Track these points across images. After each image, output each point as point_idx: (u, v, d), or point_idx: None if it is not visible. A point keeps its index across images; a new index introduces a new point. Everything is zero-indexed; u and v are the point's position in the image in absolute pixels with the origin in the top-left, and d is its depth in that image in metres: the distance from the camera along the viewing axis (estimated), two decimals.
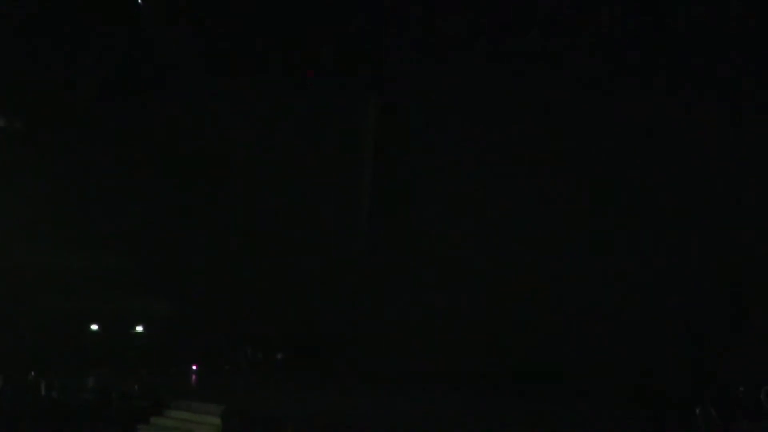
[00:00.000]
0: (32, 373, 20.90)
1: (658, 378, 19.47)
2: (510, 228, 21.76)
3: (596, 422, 18.41)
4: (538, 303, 21.13)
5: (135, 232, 24.17)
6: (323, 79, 23.06)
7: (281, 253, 23.80)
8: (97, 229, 24.01)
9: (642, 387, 19.35)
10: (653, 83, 20.34)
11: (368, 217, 23.64)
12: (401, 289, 22.91)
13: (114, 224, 24.09)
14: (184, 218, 24.22)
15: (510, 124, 21.66)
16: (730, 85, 19.92)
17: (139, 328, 23.84)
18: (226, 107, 23.62)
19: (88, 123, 24.05)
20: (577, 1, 20.94)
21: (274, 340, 23.56)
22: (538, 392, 20.17)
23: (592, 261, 20.94)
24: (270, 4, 22.77)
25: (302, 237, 23.66)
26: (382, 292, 23.17)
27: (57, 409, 19.91)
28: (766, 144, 19.68)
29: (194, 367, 23.16)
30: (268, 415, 18.72)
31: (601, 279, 20.69)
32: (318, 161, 23.37)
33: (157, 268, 24.33)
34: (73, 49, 23.49)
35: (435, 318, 22.27)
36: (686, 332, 19.63)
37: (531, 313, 21.12)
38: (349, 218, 23.69)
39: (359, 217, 23.58)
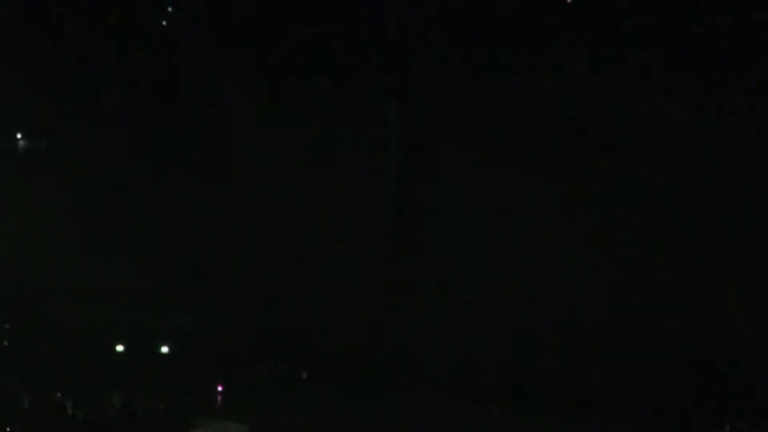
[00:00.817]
0: (58, 392, 20.88)
1: (681, 391, 19.35)
2: (540, 238, 21.64)
3: None
4: (561, 316, 21.05)
5: (160, 248, 24.16)
6: (345, 86, 23.03)
7: (306, 269, 23.73)
8: (121, 246, 24.03)
9: (666, 401, 19.24)
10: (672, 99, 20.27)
11: (394, 231, 23.53)
12: (428, 304, 22.83)
13: (139, 240, 24.10)
14: (209, 234, 24.19)
15: (537, 133, 21.60)
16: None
17: (164, 347, 23.75)
18: (252, 120, 23.64)
19: (114, 137, 24.12)
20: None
21: (300, 357, 23.41)
22: (562, 409, 20.08)
23: (610, 270, 20.84)
24: (291, 9, 22.78)
25: (327, 252, 23.58)
26: (408, 307, 23.09)
27: (83, 429, 19.92)
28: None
29: (219, 387, 23.04)
30: None
31: (620, 289, 20.60)
32: (343, 174, 23.33)
33: (182, 285, 24.29)
34: (92, 63, 23.56)
35: (463, 334, 22.19)
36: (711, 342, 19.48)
37: (555, 326, 21.04)
38: (375, 232, 23.60)
39: (385, 231, 23.48)
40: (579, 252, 21.09)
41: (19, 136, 24.81)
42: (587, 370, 20.46)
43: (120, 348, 23.53)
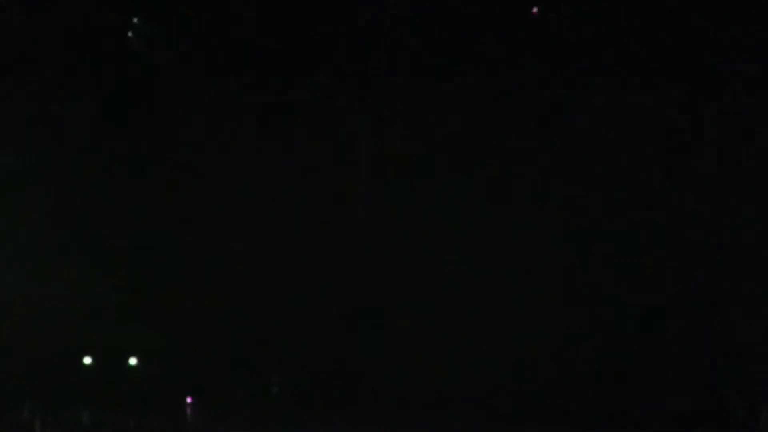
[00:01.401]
0: (26, 410, 20.59)
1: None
2: (529, 246, 21.56)
3: None
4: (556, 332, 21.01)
5: (128, 263, 23.89)
6: (321, 92, 22.91)
7: (280, 282, 23.56)
8: (89, 261, 23.73)
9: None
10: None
11: (376, 241, 23.40)
12: (409, 318, 22.71)
13: (107, 255, 23.81)
14: (179, 248, 23.95)
15: (516, 136, 21.55)
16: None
17: (133, 361, 23.49)
18: (228, 132, 23.45)
19: (76, 156, 23.81)
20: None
21: (273, 371, 23.24)
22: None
23: (607, 279, 20.80)
24: (268, 18, 22.61)
25: (303, 266, 23.42)
26: (388, 321, 22.96)
27: None
28: None
29: (189, 401, 22.85)
30: None
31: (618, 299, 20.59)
32: (321, 186, 23.18)
33: (150, 300, 24.04)
34: (65, 78, 23.24)
35: (448, 348, 22.10)
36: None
37: (550, 342, 21.00)
38: (352, 244, 23.46)
39: (362, 243, 23.35)
40: (571, 262, 21.05)
41: None
42: (585, 388, 20.41)
43: (88, 362, 23.28)
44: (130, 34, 23.40)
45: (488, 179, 21.92)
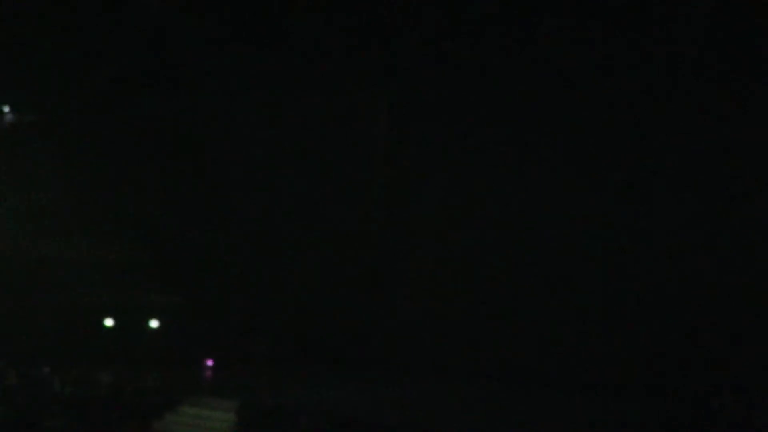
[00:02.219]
0: (46, 368, 20.80)
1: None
2: (518, 226, 21.60)
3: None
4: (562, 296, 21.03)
5: (148, 225, 24.05)
6: (334, 80, 22.92)
7: (294, 246, 23.68)
8: (110, 223, 23.94)
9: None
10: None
11: (379, 212, 23.47)
12: (412, 282, 22.79)
13: (127, 218, 24.00)
14: (197, 212, 24.10)
15: (522, 125, 21.54)
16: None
17: (153, 323, 23.68)
18: (240, 102, 23.51)
19: (101, 116, 23.94)
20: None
21: (288, 334, 23.37)
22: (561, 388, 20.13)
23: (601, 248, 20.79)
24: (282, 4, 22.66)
25: (314, 230, 23.52)
26: (393, 284, 23.06)
27: (71, 405, 19.85)
28: None
29: (208, 362, 23.00)
30: (282, 409, 18.64)
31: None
32: (328, 155, 23.24)
33: (170, 262, 24.22)
34: (86, 40, 23.34)
35: (447, 311, 22.19)
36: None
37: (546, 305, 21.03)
38: (360, 213, 23.53)
39: (370, 212, 23.41)
40: (569, 239, 21.07)
41: (6, 109, 24.62)
42: (582, 350, 20.45)
43: (109, 324, 23.49)
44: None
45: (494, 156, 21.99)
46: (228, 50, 23.35)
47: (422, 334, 22.29)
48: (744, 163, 19.63)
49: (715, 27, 19.45)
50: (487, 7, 21.30)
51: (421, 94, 22.71)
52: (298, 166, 23.48)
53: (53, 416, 19.52)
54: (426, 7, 21.95)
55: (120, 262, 23.96)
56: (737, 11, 19.26)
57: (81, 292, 23.49)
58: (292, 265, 23.62)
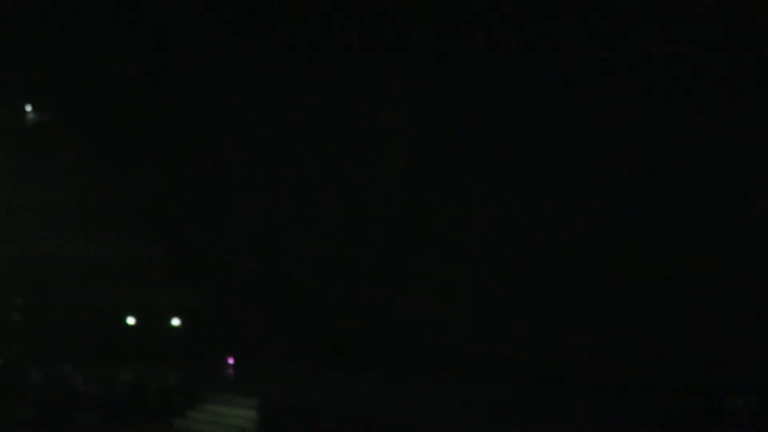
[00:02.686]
0: (69, 366, 20.99)
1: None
2: (522, 226, 21.59)
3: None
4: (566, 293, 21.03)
5: (171, 224, 24.22)
6: (346, 78, 23.03)
7: (314, 247, 23.78)
8: (132, 222, 24.09)
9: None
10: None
11: (390, 213, 23.57)
12: (431, 281, 22.83)
13: (150, 217, 24.15)
14: (218, 212, 24.24)
15: (530, 126, 21.54)
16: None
17: (175, 321, 23.86)
18: (253, 99, 23.64)
19: (123, 115, 24.11)
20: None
21: (308, 332, 23.50)
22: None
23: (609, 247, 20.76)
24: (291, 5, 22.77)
25: (332, 231, 23.63)
26: (412, 284, 23.11)
27: (94, 403, 20.02)
28: None
29: (230, 360, 23.14)
30: (301, 407, 18.72)
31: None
32: (343, 154, 23.35)
33: (191, 262, 24.37)
34: (102, 41, 23.50)
35: (465, 310, 22.22)
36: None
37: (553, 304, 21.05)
38: (374, 213, 23.63)
39: (384, 212, 23.52)
40: (574, 238, 21.05)
41: (29, 109, 24.81)
42: (589, 349, 20.43)
43: (131, 323, 23.67)
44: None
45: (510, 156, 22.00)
46: (237, 51, 23.47)
47: (441, 333, 22.31)
48: (744, 165, 19.53)
49: (716, 27, 19.39)
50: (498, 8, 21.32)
51: (431, 95, 22.74)
52: (314, 169, 23.59)
53: (77, 414, 19.71)
54: (435, 8, 21.98)
55: (142, 261, 24.13)
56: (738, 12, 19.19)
57: (103, 292, 23.70)
58: (311, 265, 23.72)
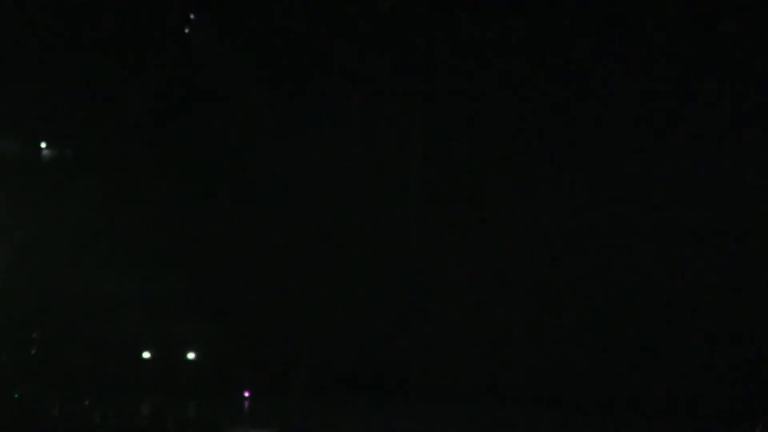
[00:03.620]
0: (86, 400, 20.92)
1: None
2: (553, 244, 21.60)
3: None
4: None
5: (187, 257, 24.20)
6: (371, 91, 23.07)
7: (331, 277, 23.75)
8: (149, 255, 24.09)
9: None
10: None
11: (418, 240, 23.55)
12: (451, 310, 22.80)
13: (167, 250, 24.14)
14: (235, 243, 24.22)
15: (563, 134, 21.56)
16: None
17: (192, 354, 23.81)
18: (273, 130, 23.71)
19: (137, 147, 24.15)
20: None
21: (325, 364, 23.44)
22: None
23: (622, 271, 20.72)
24: (316, 18, 22.76)
25: (351, 260, 23.61)
26: (432, 312, 23.08)
27: None
28: None
29: (246, 393, 23.08)
30: None
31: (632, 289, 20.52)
32: (367, 185, 23.37)
33: (206, 294, 24.34)
34: (119, 69, 23.54)
35: (485, 338, 22.20)
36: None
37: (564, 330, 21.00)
38: (399, 241, 23.61)
39: (409, 240, 23.50)
40: (590, 259, 21.05)
41: (43, 145, 24.85)
42: (597, 372, 20.37)
43: (148, 356, 23.62)
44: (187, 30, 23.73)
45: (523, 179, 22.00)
46: (259, 81, 23.55)
47: (457, 363, 22.28)
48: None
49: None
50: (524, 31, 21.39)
51: (457, 122, 22.81)
52: (336, 200, 23.60)
53: None
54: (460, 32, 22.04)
55: (159, 295, 24.09)
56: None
57: (121, 325, 23.68)
58: (328, 296, 23.68)
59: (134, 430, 20.18)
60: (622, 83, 20.97)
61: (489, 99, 22.35)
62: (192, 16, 23.76)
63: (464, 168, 23.01)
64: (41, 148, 24.82)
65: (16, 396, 21.23)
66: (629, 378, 20.46)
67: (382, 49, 22.71)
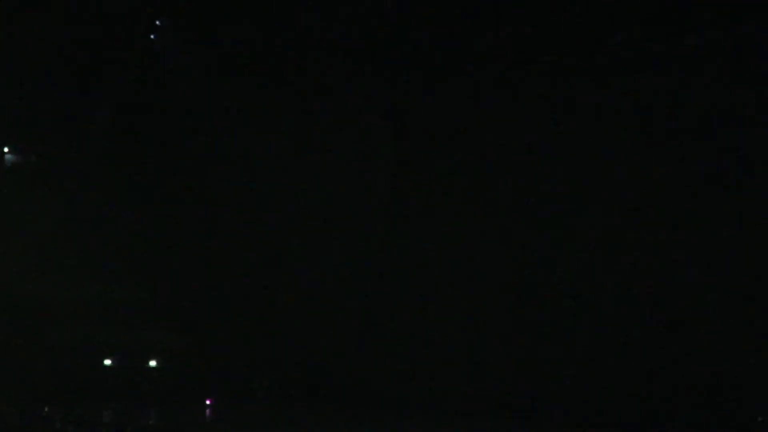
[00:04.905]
0: (47, 408, 20.79)
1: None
2: (529, 249, 21.58)
3: None
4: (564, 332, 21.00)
5: (149, 263, 24.10)
6: (337, 100, 23.11)
7: (295, 285, 23.73)
8: (111, 261, 23.97)
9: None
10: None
11: (382, 248, 23.57)
12: (415, 318, 22.80)
13: (128, 256, 24.04)
14: (197, 250, 24.16)
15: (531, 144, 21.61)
16: None
17: (154, 362, 23.71)
18: (242, 136, 23.67)
19: (99, 154, 24.03)
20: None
21: (289, 372, 23.42)
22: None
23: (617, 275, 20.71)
24: (283, 28, 22.74)
25: (316, 271, 23.60)
26: (395, 320, 23.09)
27: None
28: None
29: (208, 401, 23.02)
30: None
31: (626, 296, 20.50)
32: (335, 193, 23.38)
33: (169, 301, 24.25)
34: (84, 78, 23.43)
35: (447, 346, 22.20)
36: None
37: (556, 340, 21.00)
38: (362, 250, 23.63)
39: (376, 248, 23.52)
40: (577, 263, 21.01)
41: (6, 150, 24.70)
42: (592, 385, 20.33)
43: (109, 363, 23.49)
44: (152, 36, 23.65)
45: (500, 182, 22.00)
46: (228, 85, 23.51)
47: (424, 372, 22.26)
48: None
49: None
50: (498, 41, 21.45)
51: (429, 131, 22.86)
52: (303, 208, 23.60)
53: None
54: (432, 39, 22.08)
55: (120, 301, 23.98)
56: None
57: (83, 332, 23.53)
58: (292, 303, 23.66)
59: None
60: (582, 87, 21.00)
61: (460, 108, 22.40)
62: (158, 23, 23.67)
63: (432, 177, 23.02)
64: (3, 153, 24.64)
65: None
66: (613, 393, 20.29)
67: (351, 55, 22.72)
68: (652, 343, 19.87)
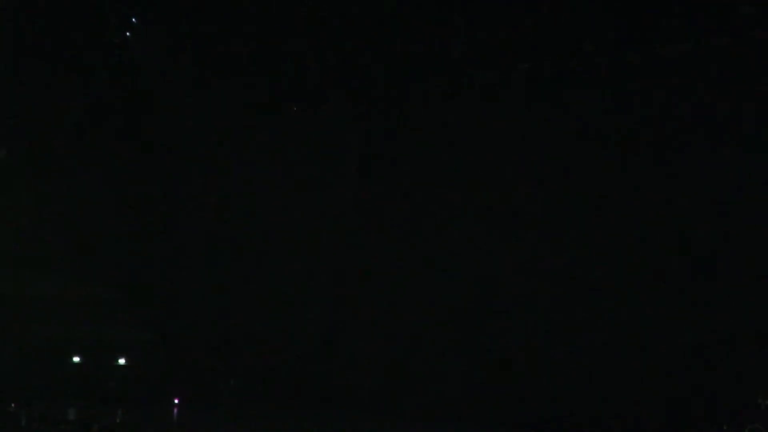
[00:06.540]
0: (12, 404, 20.68)
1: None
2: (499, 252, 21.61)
3: None
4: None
5: (117, 261, 24.00)
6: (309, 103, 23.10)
7: (264, 284, 23.69)
8: (78, 258, 23.85)
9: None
10: None
11: (349, 250, 23.58)
12: (383, 321, 22.79)
13: (96, 253, 23.92)
14: (166, 249, 24.07)
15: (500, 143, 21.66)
16: None
17: (121, 360, 23.63)
18: (217, 136, 23.63)
19: (71, 150, 23.89)
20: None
21: (257, 372, 23.41)
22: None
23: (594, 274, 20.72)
24: (259, 30, 22.70)
25: (284, 271, 23.56)
26: (362, 323, 23.09)
27: None
28: None
29: (176, 400, 22.98)
30: None
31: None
32: (299, 199, 23.39)
33: (138, 299, 24.16)
34: (62, 72, 23.27)
35: (415, 350, 22.23)
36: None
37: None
38: (330, 250, 23.62)
39: (341, 250, 23.53)
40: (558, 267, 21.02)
41: None
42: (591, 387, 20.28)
43: (76, 360, 23.39)
44: (128, 34, 23.54)
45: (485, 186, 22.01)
46: (199, 86, 23.45)
47: (387, 374, 22.28)
48: None
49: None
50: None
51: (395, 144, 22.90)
52: (270, 208, 23.55)
53: None
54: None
55: (88, 299, 23.87)
56: None
57: (48, 329, 23.39)
58: (260, 306, 23.62)
59: None
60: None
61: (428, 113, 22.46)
62: (133, 20, 23.57)
63: (399, 183, 23.05)
64: None
65: None
66: (612, 405, 20.23)
67: (323, 58, 22.72)
68: (652, 342, 19.98)
